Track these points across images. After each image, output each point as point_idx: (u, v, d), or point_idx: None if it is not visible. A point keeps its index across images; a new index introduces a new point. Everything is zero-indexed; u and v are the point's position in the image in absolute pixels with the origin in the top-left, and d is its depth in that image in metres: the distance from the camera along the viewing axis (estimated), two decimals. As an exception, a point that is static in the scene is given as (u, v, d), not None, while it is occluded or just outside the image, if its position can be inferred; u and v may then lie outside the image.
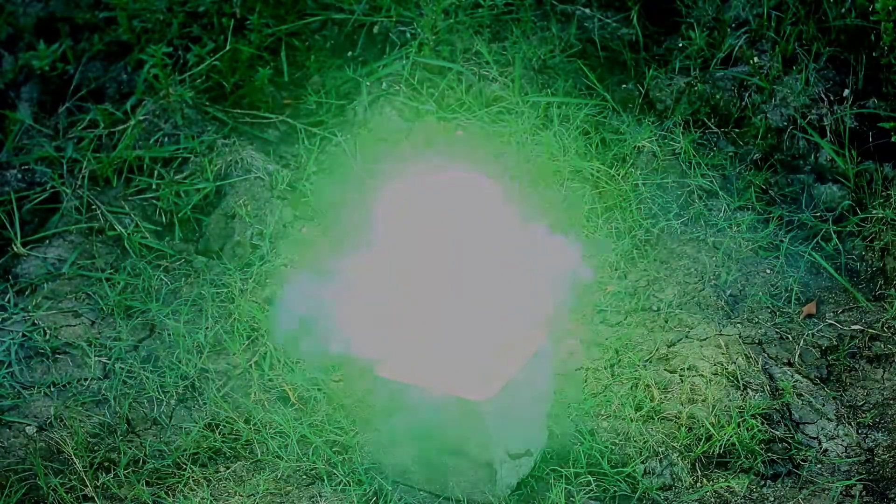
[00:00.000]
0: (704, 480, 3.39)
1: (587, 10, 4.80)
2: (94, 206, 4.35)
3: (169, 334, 3.88)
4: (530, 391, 3.33)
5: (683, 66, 4.62)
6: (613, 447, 3.45)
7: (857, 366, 3.71)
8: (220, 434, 3.58)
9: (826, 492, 3.35)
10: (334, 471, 3.45)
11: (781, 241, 4.06)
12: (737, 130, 4.47)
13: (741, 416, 3.48)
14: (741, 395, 3.58)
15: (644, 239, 4.11)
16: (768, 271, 3.98)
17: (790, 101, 4.40)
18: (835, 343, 3.77)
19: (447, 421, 3.23)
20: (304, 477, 3.47)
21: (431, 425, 3.25)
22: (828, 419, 3.54)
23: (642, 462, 3.42)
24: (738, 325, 3.81)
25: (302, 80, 4.76)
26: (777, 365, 3.69)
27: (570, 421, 3.54)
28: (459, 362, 3.23)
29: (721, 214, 4.17)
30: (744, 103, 4.46)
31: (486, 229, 3.23)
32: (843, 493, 3.35)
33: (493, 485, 3.28)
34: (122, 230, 4.29)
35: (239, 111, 4.67)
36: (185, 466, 3.50)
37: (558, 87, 4.57)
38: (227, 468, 3.50)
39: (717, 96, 4.51)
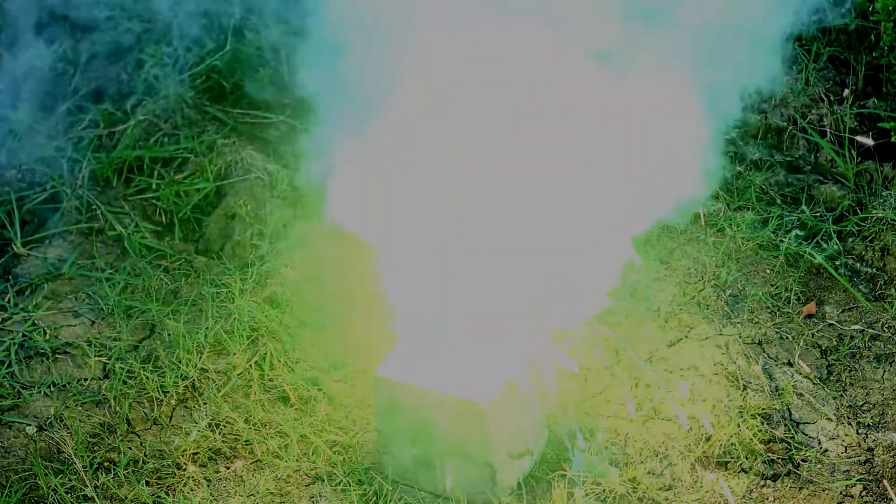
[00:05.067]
0: (704, 480, 3.39)
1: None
2: (94, 206, 4.35)
3: (169, 334, 3.88)
4: (530, 391, 3.33)
5: (683, 66, 4.62)
6: (613, 447, 3.45)
7: (857, 366, 3.71)
8: (220, 434, 3.58)
9: (826, 492, 3.35)
10: (334, 471, 3.45)
11: (781, 241, 4.06)
12: (737, 130, 4.47)
13: (741, 416, 3.48)
14: (741, 395, 3.58)
15: (644, 239, 4.10)
16: (768, 271, 3.99)
17: (790, 101, 4.40)
18: (835, 343, 3.77)
19: (447, 421, 3.23)
20: (304, 477, 3.47)
21: (431, 425, 3.25)
22: (828, 419, 3.54)
23: (642, 462, 3.41)
24: (738, 325, 3.81)
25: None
26: (777, 365, 3.68)
27: (569, 421, 3.53)
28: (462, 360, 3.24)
29: (721, 214, 4.17)
30: (744, 103, 4.46)
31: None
32: (843, 493, 3.35)
33: (493, 485, 3.27)
34: (122, 230, 4.29)
35: (239, 111, 4.67)
36: (185, 466, 3.50)
37: (558, 87, 4.57)
38: (227, 468, 3.50)
39: (717, 96, 4.51)
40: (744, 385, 3.61)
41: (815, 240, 4.05)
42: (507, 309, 3.32)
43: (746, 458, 3.42)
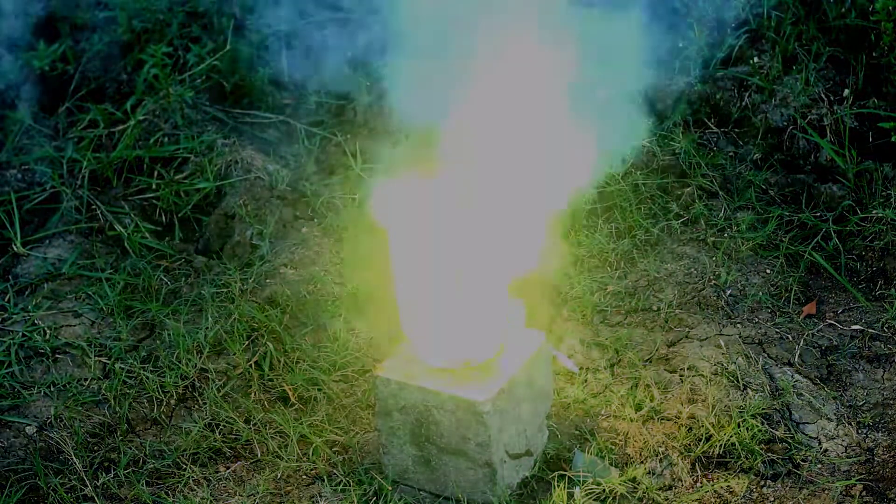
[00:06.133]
0: (704, 480, 3.39)
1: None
2: (94, 206, 4.36)
3: (169, 334, 3.88)
4: (530, 391, 3.33)
5: (683, 66, 4.62)
6: (613, 447, 3.45)
7: (857, 366, 3.71)
8: (220, 434, 3.58)
9: (826, 492, 3.35)
10: (334, 471, 3.45)
11: (781, 241, 4.06)
12: (737, 130, 4.47)
13: (741, 416, 3.48)
14: (741, 395, 3.58)
15: (644, 239, 4.11)
16: (768, 271, 3.99)
17: (790, 101, 4.40)
18: (835, 343, 3.77)
19: (447, 421, 3.23)
20: (304, 477, 3.47)
21: (431, 425, 3.25)
22: (828, 419, 3.54)
23: (642, 462, 3.41)
24: (738, 325, 3.81)
25: (302, 80, 4.77)
26: (777, 365, 3.68)
27: (569, 421, 3.54)
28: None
29: (721, 214, 4.17)
30: (744, 103, 4.46)
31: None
32: (844, 492, 3.35)
33: (493, 485, 3.28)
34: (122, 230, 4.29)
35: (239, 111, 4.68)
36: (185, 466, 3.50)
37: (558, 87, 4.57)
38: (227, 468, 3.50)
39: (717, 96, 4.51)
40: (744, 385, 3.61)
41: (815, 240, 4.05)
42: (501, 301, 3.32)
43: (746, 458, 3.42)
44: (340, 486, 3.41)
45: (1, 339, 3.89)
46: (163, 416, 3.67)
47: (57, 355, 3.86)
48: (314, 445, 3.51)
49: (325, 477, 3.44)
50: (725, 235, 4.11)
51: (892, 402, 3.60)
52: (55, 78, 4.80)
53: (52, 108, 4.73)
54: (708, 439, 3.45)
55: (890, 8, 4.24)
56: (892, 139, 4.22)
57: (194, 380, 3.75)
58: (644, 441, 3.46)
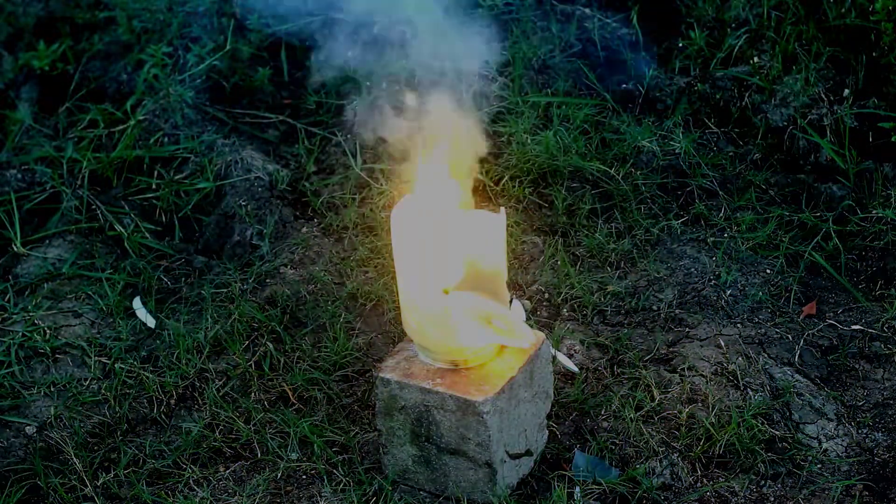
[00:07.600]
0: (704, 480, 3.39)
1: (587, 10, 4.81)
2: (94, 206, 4.36)
3: (169, 334, 3.88)
4: (530, 391, 3.33)
5: (683, 66, 4.62)
6: (613, 447, 3.45)
7: (857, 366, 3.71)
8: (220, 434, 3.58)
9: (826, 492, 3.35)
10: (334, 471, 3.45)
11: (781, 241, 4.06)
12: (737, 130, 4.47)
13: (741, 416, 3.48)
14: (741, 395, 3.58)
15: (644, 239, 4.11)
16: (768, 271, 3.99)
17: (790, 101, 4.40)
18: (835, 343, 3.77)
19: (447, 421, 3.23)
20: (304, 477, 3.47)
21: (431, 425, 3.25)
22: (828, 419, 3.54)
23: (642, 462, 3.41)
24: (738, 325, 3.81)
25: (302, 80, 4.77)
26: (777, 365, 3.68)
27: (569, 421, 3.54)
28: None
29: (721, 214, 4.17)
30: (744, 103, 4.46)
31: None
32: (844, 492, 3.35)
33: (493, 485, 3.28)
34: (122, 230, 4.29)
35: (239, 111, 4.68)
36: (185, 466, 3.50)
37: (558, 86, 4.57)
38: (227, 468, 3.50)
39: (717, 96, 4.51)
40: (744, 385, 3.61)
41: (815, 240, 4.05)
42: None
43: (746, 458, 3.42)
44: (340, 486, 3.41)
45: (1, 339, 3.89)
46: (163, 416, 3.67)
47: (57, 355, 3.86)
48: (314, 445, 3.51)
49: (325, 477, 3.44)
50: (725, 235, 4.11)
51: (892, 402, 3.60)
52: (55, 78, 4.80)
53: (52, 108, 4.73)
54: (708, 439, 3.45)
55: (890, 8, 4.24)
56: (893, 139, 4.22)
57: (194, 380, 3.75)
58: (644, 441, 3.46)
